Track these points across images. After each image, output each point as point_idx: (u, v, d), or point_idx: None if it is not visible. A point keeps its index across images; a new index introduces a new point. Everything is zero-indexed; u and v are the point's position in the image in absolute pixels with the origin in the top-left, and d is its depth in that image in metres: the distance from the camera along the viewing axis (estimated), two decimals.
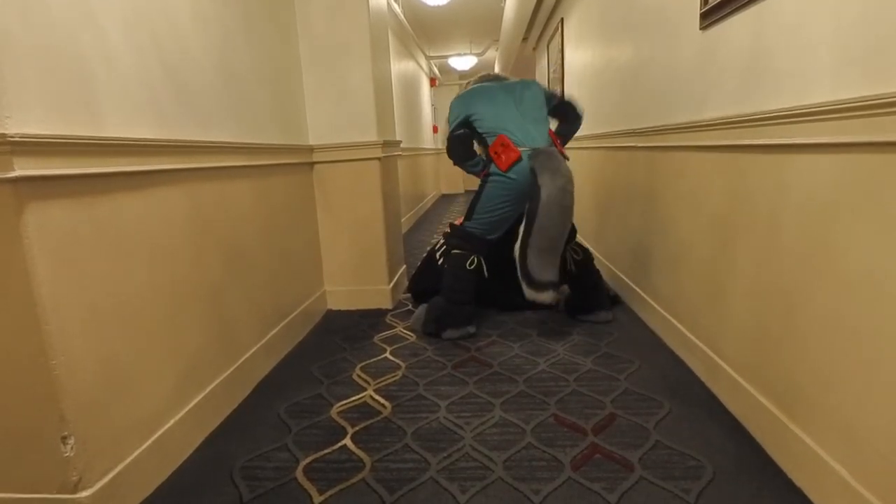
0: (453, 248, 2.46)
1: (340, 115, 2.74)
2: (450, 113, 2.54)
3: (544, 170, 2.20)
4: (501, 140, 2.31)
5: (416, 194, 7.13)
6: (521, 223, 2.28)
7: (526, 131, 2.34)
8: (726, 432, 1.56)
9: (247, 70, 2.07)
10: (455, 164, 2.55)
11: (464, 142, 2.47)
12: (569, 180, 2.20)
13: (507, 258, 2.64)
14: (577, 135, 2.71)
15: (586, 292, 2.61)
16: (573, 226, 2.63)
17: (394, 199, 3.20)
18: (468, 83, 2.71)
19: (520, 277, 2.26)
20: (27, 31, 1.08)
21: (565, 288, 2.78)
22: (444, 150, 2.69)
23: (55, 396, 1.14)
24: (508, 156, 2.28)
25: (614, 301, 2.82)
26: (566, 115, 2.59)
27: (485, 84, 2.56)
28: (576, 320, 2.60)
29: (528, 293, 2.25)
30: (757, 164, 1.48)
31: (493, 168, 2.36)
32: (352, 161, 2.77)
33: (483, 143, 2.44)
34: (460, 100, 2.52)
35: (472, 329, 2.46)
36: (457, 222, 2.62)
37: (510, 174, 2.29)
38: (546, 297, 2.24)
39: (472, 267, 2.42)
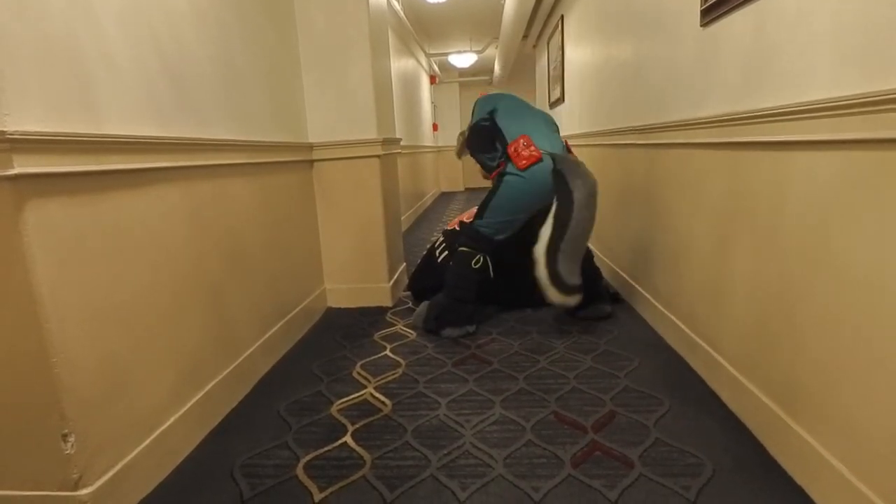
0: (461, 246, 2.44)
1: (340, 112, 2.73)
2: (472, 114, 2.60)
3: (575, 176, 2.18)
4: (524, 139, 2.31)
5: (415, 192, 7.13)
6: (539, 223, 2.26)
7: (546, 138, 2.37)
8: (726, 430, 1.56)
9: (245, 67, 2.07)
10: (472, 154, 2.56)
11: (483, 133, 2.48)
12: (595, 188, 2.22)
13: (509, 256, 2.65)
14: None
15: (586, 286, 2.60)
16: None
17: (394, 197, 3.20)
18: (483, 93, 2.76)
19: (547, 280, 2.21)
20: (25, 27, 1.08)
21: None
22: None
23: (55, 394, 1.14)
24: (530, 154, 2.28)
25: (615, 299, 2.82)
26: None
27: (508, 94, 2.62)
28: (575, 318, 2.59)
29: (555, 297, 2.22)
30: (757, 161, 1.48)
31: (509, 167, 2.34)
32: (351, 159, 2.77)
33: (501, 139, 2.42)
34: (485, 99, 2.56)
35: (471, 328, 2.45)
36: (466, 218, 2.60)
37: (526, 174, 2.28)
38: (573, 300, 2.25)
39: (478, 266, 2.40)
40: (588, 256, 2.60)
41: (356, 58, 2.69)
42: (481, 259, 2.39)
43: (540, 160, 2.27)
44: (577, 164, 2.25)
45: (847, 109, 1.08)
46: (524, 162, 2.28)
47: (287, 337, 2.36)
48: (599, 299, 2.59)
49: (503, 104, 2.50)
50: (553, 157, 2.28)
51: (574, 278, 2.23)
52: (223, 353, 1.81)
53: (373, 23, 2.75)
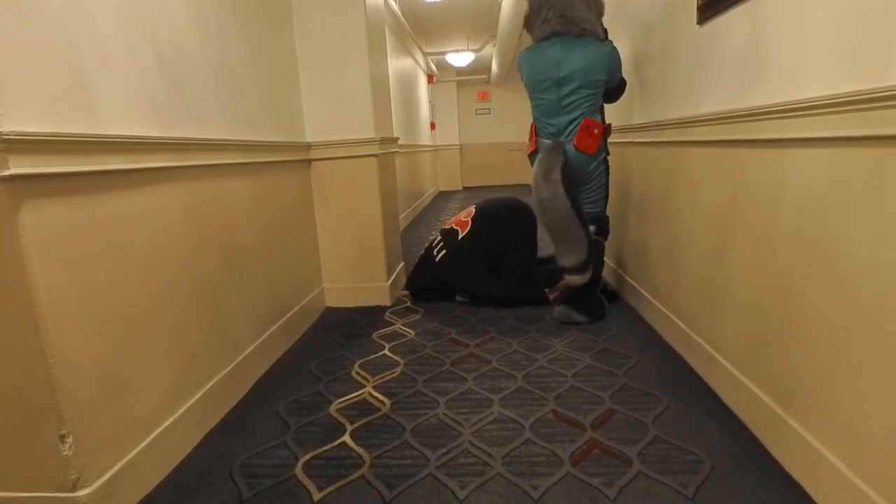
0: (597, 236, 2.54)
1: (337, 112, 2.73)
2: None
3: (537, 163, 2.34)
4: (532, 128, 2.48)
5: (413, 191, 7.13)
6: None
7: (556, 120, 2.33)
8: (724, 427, 1.56)
9: (243, 66, 2.06)
10: None
11: None
12: (548, 173, 2.26)
13: (510, 255, 2.65)
14: None
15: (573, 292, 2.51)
16: (609, 226, 2.56)
17: (392, 196, 3.20)
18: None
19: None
20: (21, 27, 1.07)
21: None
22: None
23: (53, 395, 1.14)
24: (532, 145, 2.47)
25: (613, 297, 2.82)
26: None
27: (539, 50, 2.34)
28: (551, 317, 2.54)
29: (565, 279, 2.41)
30: (754, 158, 1.48)
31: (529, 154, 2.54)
32: (349, 158, 2.76)
33: None
34: (523, 63, 2.42)
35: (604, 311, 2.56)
36: (464, 217, 2.56)
37: (533, 163, 2.43)
38: (573, 280, 2.37)
39: None
40: (594, 267, 2.46)
41: (353, 57, 2.69)
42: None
43: (536, 151, 2.43)
44: (547, 155, 2.30)
45: (843, 107, 1.09)
46: (530, 151, 2.50)
47: (285, 337, 2.35)
48: (576, 306, 2.48)
49: (526, 78, 2.40)
50: (544, 146, 2.38)
51: (563, 259, 2.37)
52: (221, 353, 1.81)
53: (370, 22, 2.75)
